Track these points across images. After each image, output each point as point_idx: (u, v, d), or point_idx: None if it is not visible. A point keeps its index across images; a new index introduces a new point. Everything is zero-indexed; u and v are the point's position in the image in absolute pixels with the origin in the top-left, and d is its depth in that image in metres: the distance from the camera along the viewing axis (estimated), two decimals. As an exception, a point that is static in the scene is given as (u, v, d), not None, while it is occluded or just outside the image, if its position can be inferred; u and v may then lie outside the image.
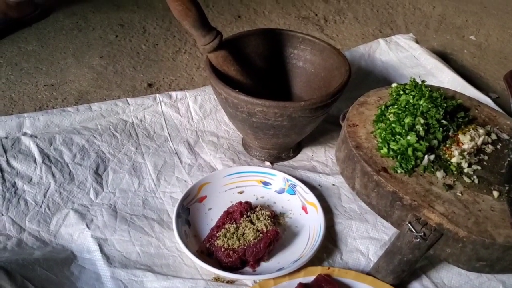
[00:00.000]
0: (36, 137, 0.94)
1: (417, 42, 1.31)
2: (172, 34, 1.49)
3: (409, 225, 0.70)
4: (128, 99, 1.06)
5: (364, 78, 1.21)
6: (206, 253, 0.81)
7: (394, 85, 0.89)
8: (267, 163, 1.02)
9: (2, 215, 0.83)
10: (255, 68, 1.00)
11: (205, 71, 1.30)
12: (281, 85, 1.05)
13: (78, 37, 1.45)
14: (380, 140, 0.78)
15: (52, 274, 0.75)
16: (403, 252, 0.72)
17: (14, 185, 0.87)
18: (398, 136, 0.77)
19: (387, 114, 0.82)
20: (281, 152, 1.02)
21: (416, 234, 0.69)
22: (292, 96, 1.05)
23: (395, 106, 0.83)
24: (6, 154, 0.89)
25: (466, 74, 1.36)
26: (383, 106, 0.84)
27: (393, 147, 0.76)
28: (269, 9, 1.70)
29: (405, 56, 1.28)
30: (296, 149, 1.05)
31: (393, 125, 0.79)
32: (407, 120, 0.79)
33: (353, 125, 0.82)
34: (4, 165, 0.88)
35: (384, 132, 0.78)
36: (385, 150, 0.76)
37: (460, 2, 1.84)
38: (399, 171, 0.74)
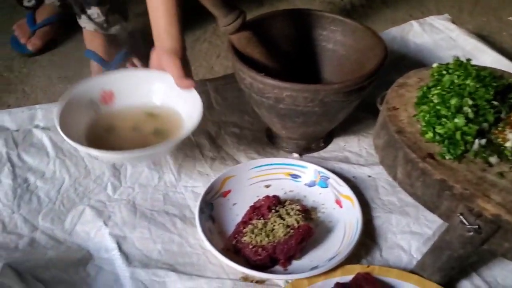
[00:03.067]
0: (49, 129, 0.89)
1: (453, 22, 1.23)
2: (191, 22, 1.43)
3: (461, 217, 0.62)
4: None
5: (397, 62, 1.14)
6: (233, 251, 0.75)
7: (435, 65, 0.81)
8: (295, 155, 0.95)
9: (14, 212, 0.78)
10: (281, 51, 0.93)
11: (227, 55, 1.25)
12: (310, 69, 0.99)
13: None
14: (424, 124, 0.70)
15: (67, 276, 0.70)
16: (453, 247, 0.64)
17: (26, 180, 0.82)
18: (444, 119, 0.70)
19: (430, 95, 0.75)
20: (310, 143, 0.95)
21: (469, 227, 0.61)
22: (322, 82, 0.98)
23: (438, 87, 0.75)
24: (17, 148, 0.85)
25: (507, 57, 1.26)
26: (425, 88, 0.76)
27: (439, 131, 0.69)
28: (293, -6, 1.63)
29: (441, 38, 1.20)
30: (327, 139, 0.98)
31: (437, 107, 0.71)
32: (453, 102, 0.71)
33: (393, 109, 0.74)
34: (15, 159, 0.83)
35: (428, 115, 0.71)
36: (430, 134, 0.69)
37: (495, -19, 1.74)
38: (447, 157, 0.67)
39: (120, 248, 0.75)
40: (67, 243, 0.76)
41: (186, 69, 0.83)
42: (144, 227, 0.79)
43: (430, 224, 0.80)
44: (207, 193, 0.82)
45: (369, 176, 0.90)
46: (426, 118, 0.71)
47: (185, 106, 0.83)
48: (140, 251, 0.76)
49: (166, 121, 0.84)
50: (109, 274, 0.72)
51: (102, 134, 0.81)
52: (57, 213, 0.80)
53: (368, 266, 0.71)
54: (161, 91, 0.86)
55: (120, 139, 0.80)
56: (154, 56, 0.86)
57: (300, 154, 0.95)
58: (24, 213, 0.79)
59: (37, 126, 0.90)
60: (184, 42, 0.85)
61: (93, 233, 0.78)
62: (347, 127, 0.99)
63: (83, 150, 0.72)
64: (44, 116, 0.91)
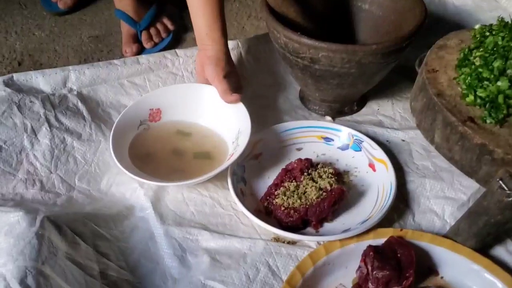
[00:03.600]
0: (82, 95, 0.90)
1: (495, -19, 1.17)
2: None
3: (500, 182, 0.61)
4: (176, 50, 1.00)
5: (434, 25, 1.09)
6: (264, 212, 0.76)
7: (477, 26, 0.78)
8: (328, 118, 0.94)
9: (51, 173, 0.79)
10: (315, 11, 0.91)
11: (258, 15, 1.23)
12: (344, 30, 0.96)
13: (123, -13, 1.38)
14: (465, 87, 0.68)
15: (104, 231, 0.72)
16: (491, 212, 0.63)
17: (63, 141, 0.82)
18: (486, 82, 0.67)
19: (471, 58, 0.72)
20: (343, 106, 0.93)
21: (508, 192, 0.60)
22: (357, 43, 0.96)
23: (481, 49, 0.72)
24: (54, 110, 0.85)
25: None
26: (467, 50, 0.74)
27: (480, 94, 0.67)
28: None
29: (483, -1, 1.14)
30: (360, 102, 0.96)
31: (479, 69, 0.69)
32: (496, 64, 0.68)
33: (432, 71, 0.72)
34: (53, 120, 0.83)
35: (469, 78, 0.68)
36: (471, 97, 0.67)
37: None
38: (488, 121, 0.65)
39: (154, 208, 0.76)
40: (103, 201, 0.78)
41: (230, 80, 0.82)
42: (177, 192, 0.79)
43: (465, 190, 0.78)
44: (239, 156, 0.82)
45: (403, 140, 0.88)
46: (467, 80, 0.69)
47: (231, 120, 0.84)
48: (173, 211, 0.77)
49: (210, 135, 0.87)
50: (144, 231, 0.74)
51: (144, 153, 0.83)
52: (93, 175, 0.81)
53: (401, 230, 0.70)
54: (207, 106, 0.87)
55: (160, 160, 0.83)
56: (198, 61, 0.86)
57: (333, 117, 0.94)
58: (61, 173, 0.80)
59: (71, 90, 0.90)
60: (227, 45, 0.85)
61: (129, 194, 0.79)
62: (380, 90, 0.97)
63: (139, 180, 0.75)
64: (77, 78, 0.90)
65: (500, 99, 0.66)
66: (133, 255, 0.71)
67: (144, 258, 0.71)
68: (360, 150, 0.85)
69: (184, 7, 0.86)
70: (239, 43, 1.02)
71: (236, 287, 0.66)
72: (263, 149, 0.85)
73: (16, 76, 0.87)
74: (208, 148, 0.84)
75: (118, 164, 0.74)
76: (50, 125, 0.83)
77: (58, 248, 0.63)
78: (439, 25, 1.10)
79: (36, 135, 0.81)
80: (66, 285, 0.60)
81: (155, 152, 0.83)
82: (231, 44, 1.02)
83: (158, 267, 0.70)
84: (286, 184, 0.76)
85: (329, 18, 0.94)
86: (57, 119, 0.84)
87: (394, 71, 0.88)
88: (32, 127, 0.81)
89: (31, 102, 0.83)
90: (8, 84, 0.85)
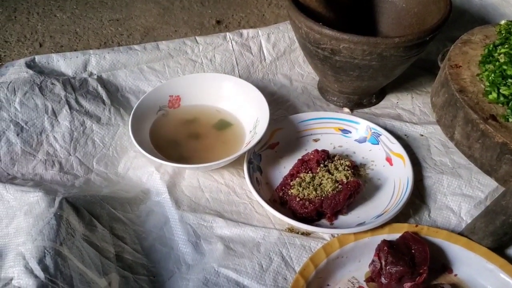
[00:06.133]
0: (103, 80, 0.90)
1: (523, -26, 1.14)
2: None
3: (520, 182, 0.60)
4: (197, 37, 0.99)
5: (457, 19, 1.07)
6: (279, 202, 0.76)
7: (503, 22, 0.77)
8: (346, 110, 0.93)
9: (70, 155, 0.80)
10: (338, 1, 0.89)
11: (279, 3, 1.22)
12: (366, 21, 0.95)
13: (144, -30, 1.38)
14: (488, 84, 0.67)
15: (120, 214, 0.73)
16: (509, 212, 0.63)
17: (82, 123, 0.83)
18: (510, 80, 0.67)
19: (496, 54, 0.71)
20: (362, 98, 0.93)
21: (528, 193, 0.60)
22: (378, 35, 0.94)
23: (506, 46, 0.71)
24: (74, 93, 0.85)
25: None
26: (491, 46, 0.73)
27: (504, 92, 0.66)
28: None
29: (509, -8, 1.11)
30: (379, 95, 0.95)
31: (504, 66, 0.68)
32: (521, 62, 0.67)
33: (455, 66, 0.71)
34: (73, 103, 0.84)
35: (493, 75, 0.68)
36: (494, 95, 0.66)
37: None
38: (510, 120, 0.64)
39: (170, 193, 0.77)
40: (120, 184, 0.79)
41: None
42: (193, 178, 0.80)
43: (483, 188, 0.77)
44: (256, 144, 0.82)
45: (422, 135, 0.87)
46: (490, 77, 0.68)
47: (250, 109, 0.85)
48: (188, 197, 0.77)
49: (229, 117, 0.88)
50: (160, 216, 0.74)
51: (166, 139, 0.84)
52: (110, 158, 0.82)
53: (417, 226, 0.70)
54: (226, 95, 0.88)
55: (183, 144, 0.84)
56: None
57: (351, 109, 0.93)
58: (80, 156, 0.81)
59: (91, 74, 0.90)
60: None
61: (145, 178, 0.79)
62: (400, 83, 0.96)
63: (167, 163, 0.76)
64: (98, 62, 0.91)
65: (524, 98, 0.65)
66: (148, 239, 0.72)
67: (159, 242, 0.71)
68: (378, 144, 0.84)
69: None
70: (259, 31, 1.02)
71: (249, 276, 0.66)
72: (280, 139, 0.85)
73: (38, 58, 0.88)
74: (224, 116, 0.87)
75: (136, 145, 0.75)
76: (71, 108, 0.83)
77: (76, 230, 0.64)
78: (462, 19, 1.08)
79: (56, 117, 0.81)
80: (82, 266, 0.60)
81: (176, 138, 0.84)
82: (251, 32, 1.01)
83: (172, 252, 0.70)
84: (302, 175, 0.76)
85: (351, 8, 0.93)
86: (77, 102, 0.85)
87: (414, 64, 0.87)
88: (53, 108, 0.82)
89: (52, 84, 0.84)
90: (30, 66, 0.86)
